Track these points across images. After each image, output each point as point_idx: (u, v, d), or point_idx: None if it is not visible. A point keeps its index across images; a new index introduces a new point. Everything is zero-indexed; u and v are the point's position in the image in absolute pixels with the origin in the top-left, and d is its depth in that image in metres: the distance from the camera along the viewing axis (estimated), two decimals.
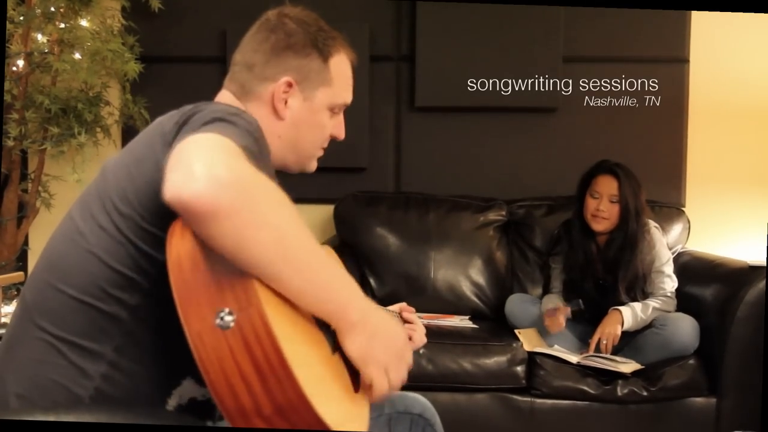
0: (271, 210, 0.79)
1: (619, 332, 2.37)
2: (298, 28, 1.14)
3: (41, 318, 0.93)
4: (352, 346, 0.87)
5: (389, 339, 0.91)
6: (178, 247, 0.79)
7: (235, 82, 1.15)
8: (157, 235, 0.89)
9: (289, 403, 0.72)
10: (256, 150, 0.87)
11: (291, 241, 0.80)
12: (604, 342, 2.37)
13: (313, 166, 1.22)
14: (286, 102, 1.13)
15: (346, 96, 1.21)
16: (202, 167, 0.74)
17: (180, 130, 0.91)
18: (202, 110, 0.93)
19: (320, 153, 1.22)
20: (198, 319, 0.74)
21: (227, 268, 0.76)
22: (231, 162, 0.76)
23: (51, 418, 0.79)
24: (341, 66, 1.18)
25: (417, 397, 1.26)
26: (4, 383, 0.92)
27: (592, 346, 2.39)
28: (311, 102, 1.15)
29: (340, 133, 1.22)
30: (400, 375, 0.93)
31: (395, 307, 1.37)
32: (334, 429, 0.74)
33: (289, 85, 1.12)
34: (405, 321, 1.35)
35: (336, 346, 0.92)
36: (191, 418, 0.98)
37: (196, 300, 0.75)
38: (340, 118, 1.22)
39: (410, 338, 1.28)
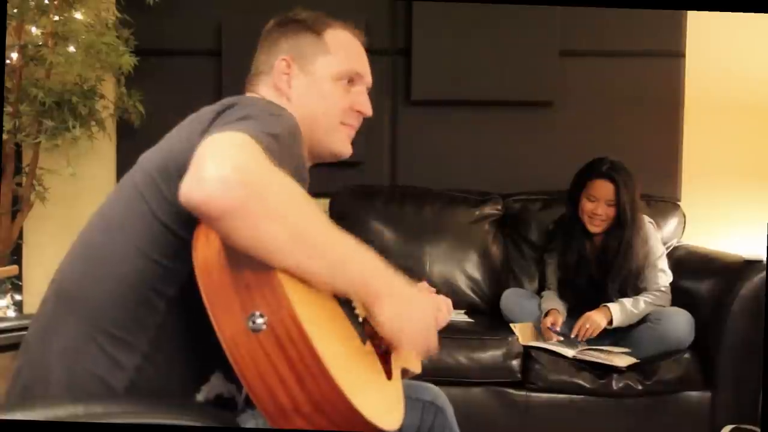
0: (281, 202, 0.78)
1: (603, 325, 2.39)
2: (290, 20, 1.20)
3: (79, 308, 0.93)
4: (381, 316, 0.87)
5: (416, 305, 0.92)
6: (205, 253, 0.79)
7: (250, 84, 1.21)
8: (195, 220, 0.88)
9: (325, 399, 0.73)
10: (276, 148, 0.87)
11: (304, 229, 0.80)
12: (587, 326, 2.39)
13: (341, 146, 1.23)
14: (289, 84, 1.16)
15: (355, 65, 1.20)
16: (211, 170, 0.74)
17: (213, 121, 0.93)
18: (237, 105, 0.96)
19: (345, 130, 1.23)
20: (230, 324, 0.75)
21: (255, 271, 0.77)
22: (241, 160, 0.76)
23: (80, 410, 0.77)
24: (340, 37, 1.20)
25: (428, 385, 1.28)
26: (50, 372, 0.92)
27: (574, 331, 2.42)
28: (312, 75, 1.17)
29: (364, 107, 1.22)
30: (432, 337, 0.94)
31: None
32: (372, 420, 0.75)
33: (287, 64, 1.16)
34: None
35: (366, 337, 0.94)
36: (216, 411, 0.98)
37: (227, 304, 0.76)
38: (360, 91, 1.22)
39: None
